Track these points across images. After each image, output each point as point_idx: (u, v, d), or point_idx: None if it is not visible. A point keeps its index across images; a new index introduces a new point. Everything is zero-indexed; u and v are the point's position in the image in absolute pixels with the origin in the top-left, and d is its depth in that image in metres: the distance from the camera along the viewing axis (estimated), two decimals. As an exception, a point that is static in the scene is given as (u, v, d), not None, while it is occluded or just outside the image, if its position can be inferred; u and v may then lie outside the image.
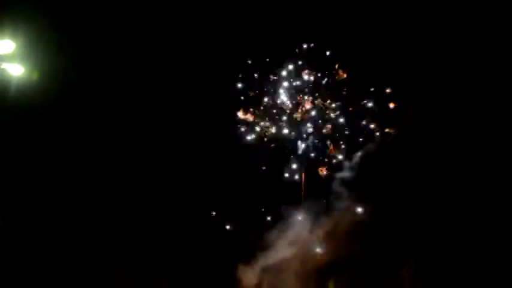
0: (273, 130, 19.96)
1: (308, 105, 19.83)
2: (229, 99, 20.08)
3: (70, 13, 16.93)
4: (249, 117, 19.95)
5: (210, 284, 20.03)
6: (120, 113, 18.80)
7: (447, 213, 17.73)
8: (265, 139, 19.98)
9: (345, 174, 19.23)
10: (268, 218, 19.65)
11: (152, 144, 19.44)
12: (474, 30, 17.14)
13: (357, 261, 18.48)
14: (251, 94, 20.17)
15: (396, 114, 19.36)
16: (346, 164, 19.38)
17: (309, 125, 19.84)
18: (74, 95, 17.51)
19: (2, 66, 12.47)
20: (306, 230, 18.88)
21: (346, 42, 19.22)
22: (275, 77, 20.08)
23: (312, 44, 19.77)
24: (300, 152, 19.90)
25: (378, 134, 19.34)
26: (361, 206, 18.70)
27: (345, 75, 19.60)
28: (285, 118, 19.97)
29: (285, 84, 19.94)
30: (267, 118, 20.02)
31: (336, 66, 19.59)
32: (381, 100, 19.47)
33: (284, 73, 19.92)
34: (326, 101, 19.76)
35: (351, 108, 19.68)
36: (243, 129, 20.08)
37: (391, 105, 19.38)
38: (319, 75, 19.87)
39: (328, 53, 19.69)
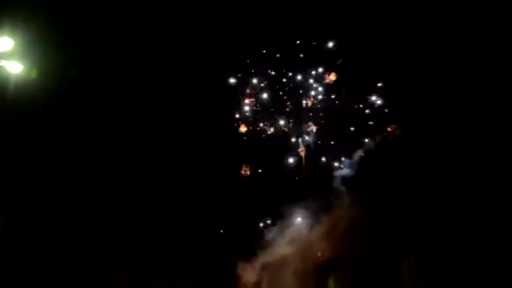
0: (272, 128, 20.00)
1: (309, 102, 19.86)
2: (228, 96, 20.12)
3: (69, 11, 16.88)
4: (249, 129, 19.96)
5: (210, 283, 20.03)
6: (119, 111, 18.77)
7: (446, 210, 17.72)
8: (264, 135, 20.01)
9: (345, 171, 19.27)
10: (269, 216, 19.66)
11: (152, 144, 19.41)
12: (475, 30, 17.15)
13: (356, 258, 18.49)
14: (249, 91, 20.16)
15: (397, 113, 19.41)
16: (347, 161, 19.45)
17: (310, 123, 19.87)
18: (72, 93, 17.46)
19: (0, 64, 12.41)
20: (306, 228, 18.89)
21: (347, 42, 19.29)
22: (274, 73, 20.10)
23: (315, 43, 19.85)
24: (300, 147, 19.94)
25: (378, 132, 19.42)
26: (360, 204, 18.70)
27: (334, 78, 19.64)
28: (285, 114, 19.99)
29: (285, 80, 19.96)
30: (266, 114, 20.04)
31: (339, 61, 19.63)
32: (382, 99, 19.54)
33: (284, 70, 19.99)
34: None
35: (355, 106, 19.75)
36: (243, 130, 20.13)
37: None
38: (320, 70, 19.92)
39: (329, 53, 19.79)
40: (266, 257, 19.02)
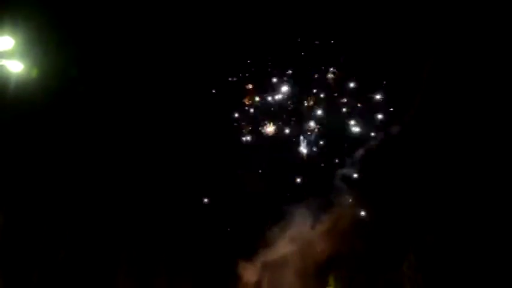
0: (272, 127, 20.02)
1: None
2: (228, 97, 20.15)
3: (69, 11, 16.88)
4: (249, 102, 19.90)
5: (210, 283, 20.02)
6: (119, 111, 18.76)
7: (446, 210, 17.76)
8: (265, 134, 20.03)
9: (346, 171, 19.31)
10: (269, 215, 19.67)
11: (152, 143, 19.40)
12: (476, 30, 17.18)
13: (357, 257, 18.54)
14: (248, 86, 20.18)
15: (398, 113, 19.46)
16: (348, 161, 19.50)
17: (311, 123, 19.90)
18: (72, 92, 17.46)
19: (1, 63, 12.40)
20: (307, 226, 18.91)
21: (348, 42, 19.33)
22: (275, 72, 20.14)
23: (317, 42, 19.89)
24: (301, 147, 19.97)
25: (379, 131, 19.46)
26: (361, 203, 18.74)
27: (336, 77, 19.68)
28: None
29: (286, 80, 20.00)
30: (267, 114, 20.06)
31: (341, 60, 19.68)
32: (383, 98, 19.59)
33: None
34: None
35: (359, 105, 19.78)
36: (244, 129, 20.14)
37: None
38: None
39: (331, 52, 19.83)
40: (267, 256, 19.04)
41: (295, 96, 20.20)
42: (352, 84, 19.97)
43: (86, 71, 17.68)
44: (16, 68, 12.65)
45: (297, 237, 18.93)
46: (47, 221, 17.59)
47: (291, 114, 20.17)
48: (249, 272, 19.20)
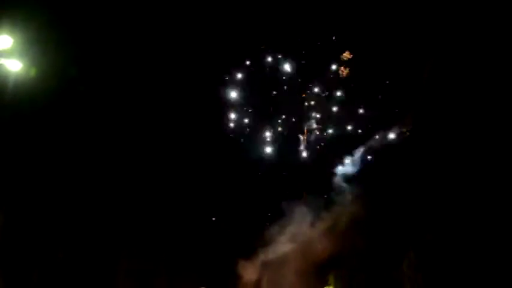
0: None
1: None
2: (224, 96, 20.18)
3: (69, 9, 16.90)
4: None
5: (211, 283, 20.01)
6: (119, 110, 18.78)
7: (447, 209, 17.74)
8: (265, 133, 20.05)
9: (347, 169, 19.32)
10: (269, 214, 19.67)
11: (152, 143, 19.41)
12: (476, 29, 17.18)
13: (357, 256, 18.53)
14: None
15: (398, 113, 19.47)
16: (348, 159, 19.51)
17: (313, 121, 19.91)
18: (72, 92, 17.47)
19: (0, 62, 12.44)
20: (307, 225, 18.91)
21: (349, 42, 19.36)
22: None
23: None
24: (301, 144, 19.97)
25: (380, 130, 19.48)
26: (361, 201, 18.73)
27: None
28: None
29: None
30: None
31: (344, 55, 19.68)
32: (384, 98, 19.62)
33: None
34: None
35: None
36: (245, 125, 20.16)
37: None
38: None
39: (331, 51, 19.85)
40: (267, 255, 19.03)
41: (295, 95, 20.20)
42: (352, 83, 19.96)
43: (85, 70, 17.70)
44: (15, 67, 12.65)
45: (296, 236, 18.92)
46: (47, 221, 17.60)
47: (291, 113, 20.18)
48: (249, 271, 19.19)
